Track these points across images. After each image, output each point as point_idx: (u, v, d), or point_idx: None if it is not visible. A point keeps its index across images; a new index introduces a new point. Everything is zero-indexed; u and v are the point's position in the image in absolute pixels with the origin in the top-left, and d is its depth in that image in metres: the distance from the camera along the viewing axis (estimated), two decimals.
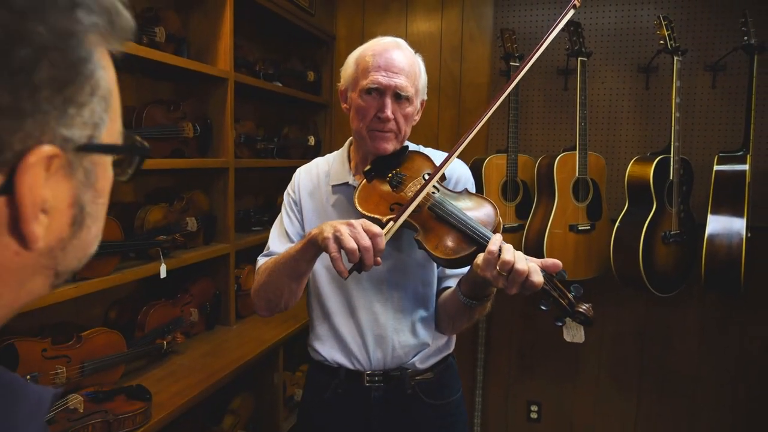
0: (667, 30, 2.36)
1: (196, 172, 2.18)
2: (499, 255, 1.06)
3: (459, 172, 1.38)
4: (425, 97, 1.37)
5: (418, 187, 1.22)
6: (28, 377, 1.38)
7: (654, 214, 2.36)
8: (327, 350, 1.37)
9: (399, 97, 1.26)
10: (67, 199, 0.41)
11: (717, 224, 2.32)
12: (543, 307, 1.11)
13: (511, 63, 2.56)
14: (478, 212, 1.21)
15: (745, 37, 2.33)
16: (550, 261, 1.10)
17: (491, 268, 1.07)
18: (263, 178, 2.82)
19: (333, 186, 1.38)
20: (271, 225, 1.46)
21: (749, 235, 2.28)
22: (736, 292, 2.32)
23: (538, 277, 1.06)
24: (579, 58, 2.46)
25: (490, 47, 2.88)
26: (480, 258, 1.10)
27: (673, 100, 2.36)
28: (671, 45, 2.35)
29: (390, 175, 1.30)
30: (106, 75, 0.42)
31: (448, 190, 1.29)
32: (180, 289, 2.07)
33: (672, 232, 2.39)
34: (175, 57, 1.89)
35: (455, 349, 1.47)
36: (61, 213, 0.40)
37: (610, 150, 2.73)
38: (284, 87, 2.62)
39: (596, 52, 2.66)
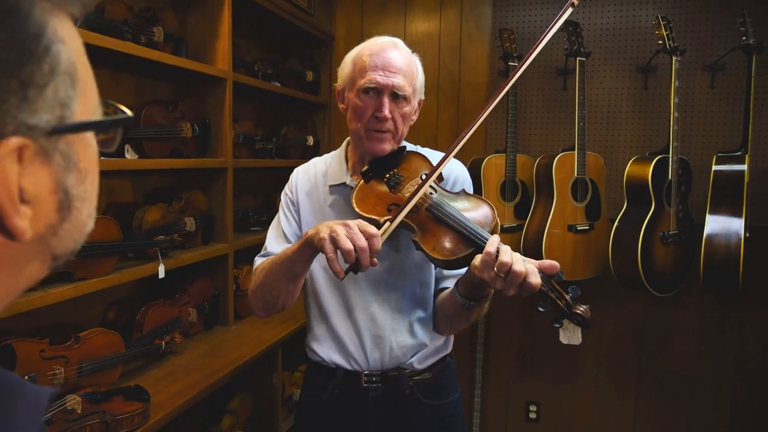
0: (666, 30, 2.36)
1: (194, 172, 2.18)
2: (497, 256, 1.06)
3: (457, 172, 1.38)
4: (422, 97, 1.37)
5: (416, 187, 1.22)
6: (26, 378, 1.38)
7: (652, 214, 2.36)
8: (324, 351, 1.37)
9: (396, 96, 1.26)
10: (48, 186, 0.38)
11: (715, 224, 2.32)
12: (540, 309, 1.11)
13: (510, 63, 2.56)
14: (475, 213, 1.21)
15: (744, 37, 2.33)
16: (547, 262, 1.10)
17: (489, 269, 1.07)
18: (262, 178, 2.82)
19: (330, 186, 1.37)
20: (269, 225, 1.46)
21: (747, 235, 2.28)
22: (734, 291, 2.33)
23: (535, 279, 1.06)
24: (578, 58, 2.46)
25: (489, 47, 2.88)
26: (477, 259, 1.10)
27: (672, 100, 2.36)
28: (670, 45, 2.36)
29: (387, 175, 1.29)
30: (65, 47, 0.37)
31: (446, 190, 1.29)
32: (178, 289, 2.06)
33: (670, 232, 2.39)
34: (174, 57, 1.89)
35: (454, 349, 1.47)
36: (45, 200, 0.38)
37: (608, 150, 2.73)
38: (283, 87, 2.62)
39: (595, 52, 2.66)
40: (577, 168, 2.46)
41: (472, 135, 1.22)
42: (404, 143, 1.38)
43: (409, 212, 1.18)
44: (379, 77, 1.24)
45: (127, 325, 1.86)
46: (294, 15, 2.62)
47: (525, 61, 1.23)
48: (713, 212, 2.33)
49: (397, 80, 1.25)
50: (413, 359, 1.35)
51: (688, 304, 2.73)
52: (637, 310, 2.81)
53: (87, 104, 0.40)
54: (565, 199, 2.46)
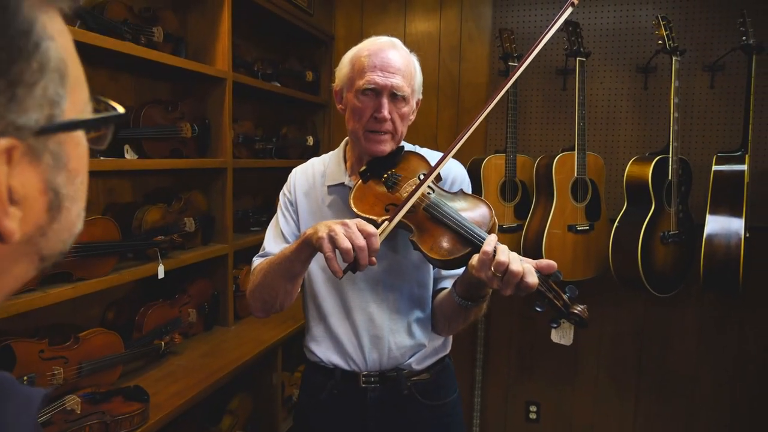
0: (666, 30, 2.36)
1: (194, 173, 2.18)
2: (494, 256, 1.06)
3: (455, 172, 1.38)
4: (420, 97, 1.37)
5: (413, 187, 1.22)
6: (25, 378, 1.38)
7: (653, 214, 2.36)
8: (323, 351, 1.37)
9: (395, 96, 1.26)
10: (37, 186, 0.38)
11: (715, 224, 2.32)
12: (538, 309, 1.10)
13: (510, 63, 2.56)
14: (473, 213, 1.21)
15: (744, 37, 2.33)
16: (544, 262, 1.10)
17: (486, 269, 1.07)
18: (261, 179, 2.82)
19: (329, 186, 1.38)
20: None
21: (747, 235, 2.28)
22: (734, 292, 2.32)
23: (532, 279, 1.06)
24: (578, 58, 2.46)
25: (489, 47, 2.87)
26: (475, 259, 1.10)
27: (672, 100, 2.36)
28: (670, 45, 2.35)
29: (385, 175, 1.30)
30: (55, 44, 0.36)
31: (444, 190, 1.29)
32: (178, 289, 2.06)
33: (670, 232, 2.39)
34: (173, 57, 1.89)
35: (454, 349, 1.47)
36: (34, 201, 0.38)
37: (608, 150, 2.73)
38: (282, 87, 2.62)
39: (595, 52, 2.65)
40: (577, 168, 2.45)
41: (471, 135, 1.22)
42: (403, 143, 1.38)
43: (407, 212, 1.18)
44: (378, 78, 1.24)
45: (126, 326, 1.86)
46: (294, 15, 2.62)
47: (524, 61, 1.23)
48: (713, 212, 2.33)
49: (396, 81, 1.25)
50: (411, 360, 1.35)
51: (688, 304, 2.72)
52: (637, 310, 2.81)
53: (77, 102, 0.39)
54: (565, 199, 2.46)
